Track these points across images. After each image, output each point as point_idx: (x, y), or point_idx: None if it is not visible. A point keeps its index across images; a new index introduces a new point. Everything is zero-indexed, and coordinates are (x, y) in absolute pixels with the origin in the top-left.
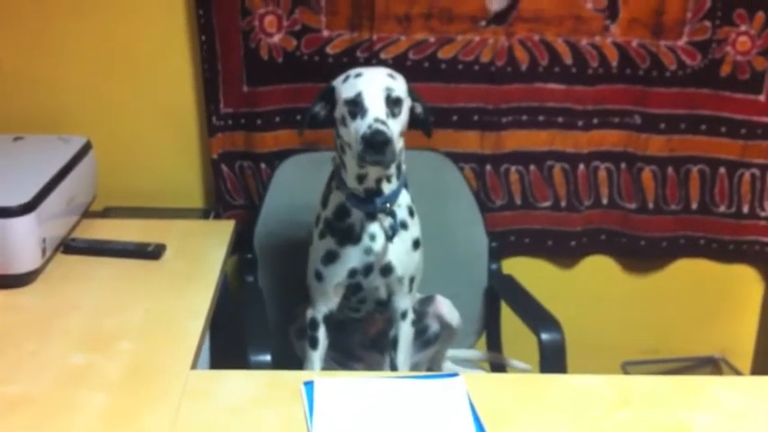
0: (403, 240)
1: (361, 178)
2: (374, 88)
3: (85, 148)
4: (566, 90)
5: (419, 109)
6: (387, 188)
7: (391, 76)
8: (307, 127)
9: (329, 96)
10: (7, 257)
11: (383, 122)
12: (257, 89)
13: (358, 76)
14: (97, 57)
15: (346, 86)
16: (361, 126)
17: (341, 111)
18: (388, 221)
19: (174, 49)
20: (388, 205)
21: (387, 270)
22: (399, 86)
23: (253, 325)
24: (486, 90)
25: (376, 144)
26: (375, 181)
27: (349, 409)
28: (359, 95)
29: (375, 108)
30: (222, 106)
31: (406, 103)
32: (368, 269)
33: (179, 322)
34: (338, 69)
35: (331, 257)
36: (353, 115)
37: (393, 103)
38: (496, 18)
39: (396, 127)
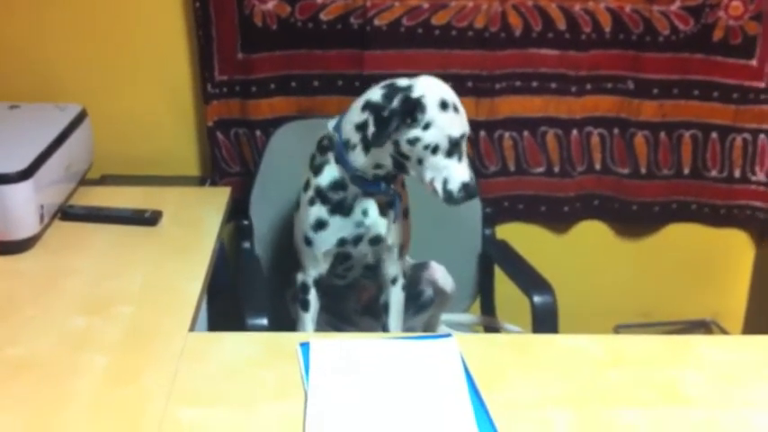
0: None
1: (378, 167)
2: (467, 132)
3: (81, 116)
4: (559, 56)
5: None
6: (391, 173)
7: None
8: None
9: (409, 107)
10: (5, 223)
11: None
12: (252, 56)
13: (457, 111)
14: (92, 25)
15: (449, 120)
16: (459, 171)
17: (437, 140)
18: (385, 199)
19: (168, 15)
20: (392, 188)
21: (376, 240)
22: None
23: (249, 290)
24: (480, 56)
25: (473, 196)
26: (386, 171)
27: (344, 369)
28: (463, 138)
29: (466, 154)
30: (217, 74)
31: None
32: (357, 239)
33: (177, 286)
34: (332, 36)
35: (321, 225)
36: (450, 154)
37: None
38: None
39: None
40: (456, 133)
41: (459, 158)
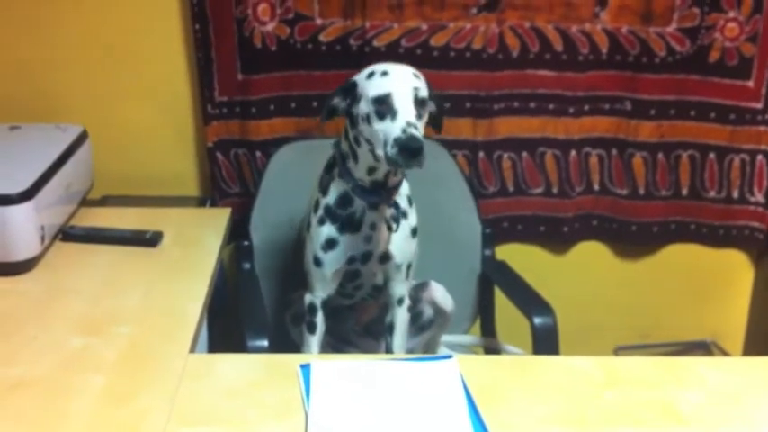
0: (402, 229)
1: (371, 171)
2: (403, 89)
3: (82, 137)
4: (557, 77)
5: (433, 107)
6: (392, 181)
7: (416, 75)
8: (325, 119)
9: (350, 91)
10: (7, 244)
11: (415, 126)
12: (251, 77)
13: (385, 74)
14: (92, 46)
15: (372, 84)
16: (392, 129)
17: (366, 108)
18: (390, 212)
19: (168, 37)
20: (393, 198)
21: (385, 258)
22: (424, 86)
23: (250, 311)
24: (478, 77)
25: (411, 150)
26: (384, 174)
27: (345, 390)
28: (388, 96)
29: (405, 110)
30: (217, 94)
31: (429, 104)
32: (367, 257)
33: (177, 307)
34: (332, 57)
35: (331, 244)
36: (381, 115)
37: (420, 104)
38: (488, 5)
39: (422, 128)
40: (376, 92)
41: (393, 118)
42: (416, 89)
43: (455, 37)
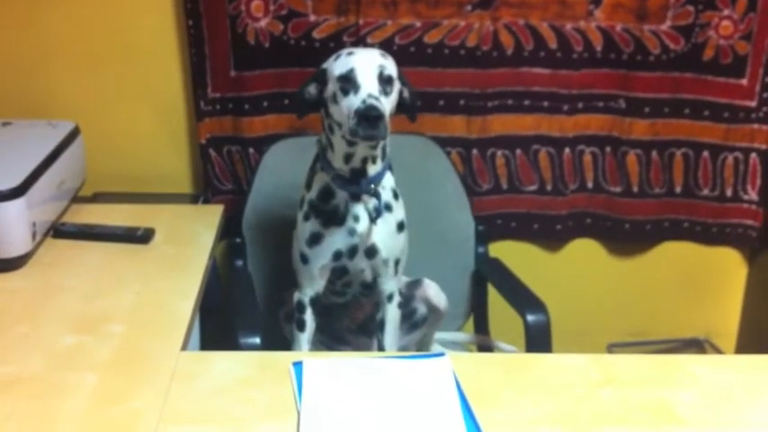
0: (387, 222)
1: (348, 158)
2: (367, 65)
3: (74, 133)
4: (551, 74)
5: (406, 93)
6: (372, 169)
7: (383, 55)
8: (301, 111)
9: (321, 77)
10: None
11: (376, 98)
12: (245, 74)
13: (350, 54)
14: (85, 42)
15: (338, 64)
16: (354, 101)
17: (332, 88)
18: (372, 202)
19: (161, 33)
20: (372, 186)
21: (371, 252)
22: (391, 66)
23: (242, 309)
24: (472, 74)
25: (370, 118)
26: (361, 161)
27: (337, 388)
28: (351, 72)
29: (368, 84)
30: (210, 91)
31: (397, 84)
32: (352, 251)
33: (169, 305)
34: (325, 54)
35: (316, 239)
36: (345, 92)
37: (385, 81)
38: (482, 3)
39: (387, 105)
40: (341, 70)
41: (356, 91)
42: (382, 66)
43: (449, 34)
